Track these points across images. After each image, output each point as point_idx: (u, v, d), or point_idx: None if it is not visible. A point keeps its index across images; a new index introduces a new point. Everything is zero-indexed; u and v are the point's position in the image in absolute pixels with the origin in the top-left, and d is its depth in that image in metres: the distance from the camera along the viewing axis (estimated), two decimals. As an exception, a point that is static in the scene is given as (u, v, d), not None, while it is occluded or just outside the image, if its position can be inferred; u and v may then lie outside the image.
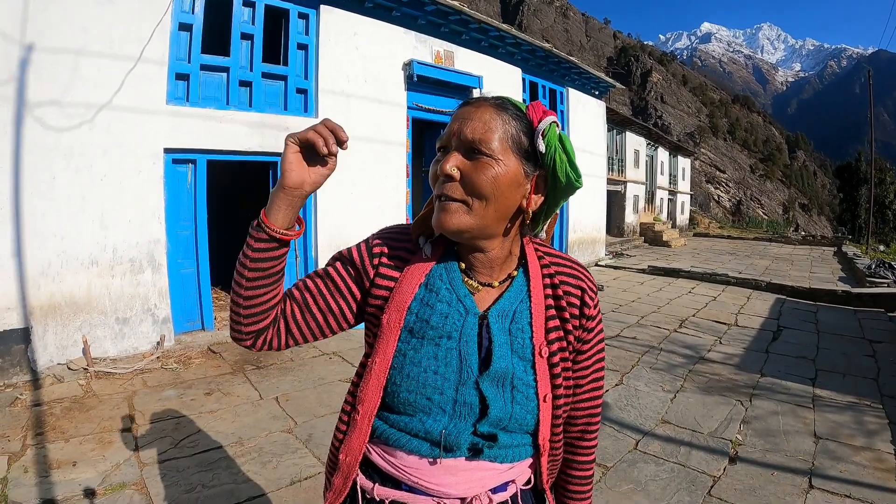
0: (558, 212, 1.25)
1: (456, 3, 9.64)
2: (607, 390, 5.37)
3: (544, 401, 1.15)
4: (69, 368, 5.69)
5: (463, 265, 1.19)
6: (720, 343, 7.32)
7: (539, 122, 1.11)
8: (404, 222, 1.29)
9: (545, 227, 1.27)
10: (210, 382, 5.49)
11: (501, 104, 1.11)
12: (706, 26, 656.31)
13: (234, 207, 11.72)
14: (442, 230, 1.09)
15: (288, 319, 1.23)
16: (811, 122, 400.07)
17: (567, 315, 1.20)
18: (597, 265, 15.43)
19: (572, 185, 1.15)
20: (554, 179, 1.14)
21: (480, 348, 1.13)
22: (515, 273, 1.22)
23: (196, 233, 7.03)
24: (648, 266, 14.60)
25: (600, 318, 1.28)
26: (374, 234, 1.27)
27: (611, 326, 7.95)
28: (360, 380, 1.19)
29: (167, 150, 6.62)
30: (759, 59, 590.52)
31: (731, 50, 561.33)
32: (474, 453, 1.12)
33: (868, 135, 28.31)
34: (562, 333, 1.19)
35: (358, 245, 1.26)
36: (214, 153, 7.12)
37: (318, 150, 1.04)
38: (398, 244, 1.24)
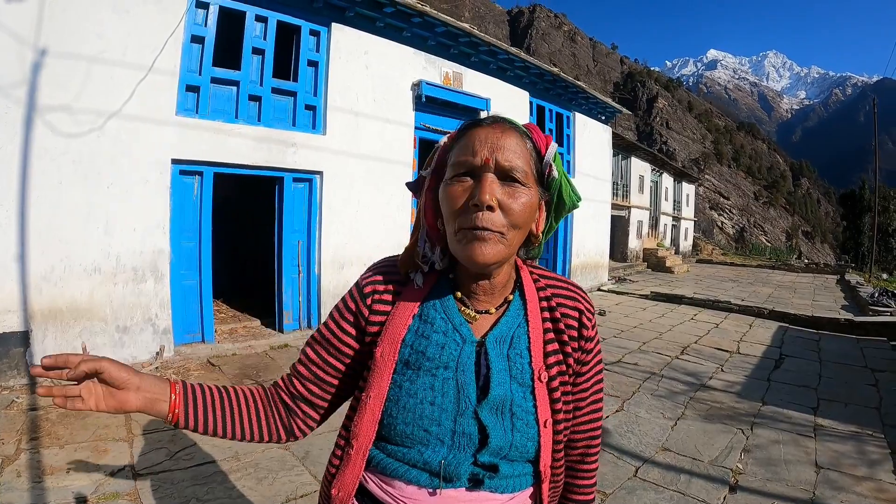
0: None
1: (466, 26, 9.73)
2: (607, 416, 5.32)
3: (545, 426, 1.12)
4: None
5: (459, 293, 1.16)
6: (722, 370, 7.26)
7: (546, 148, 1.10)
8: (395, 253, 1.26)
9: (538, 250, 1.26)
10: (209, 395, 5.46)
11: (518, 128, 1.09)
12: (712, 53, 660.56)
13: (239, 220, 11.76)
14: (473, 263, 1.03)
15: (308, 397, 1.22)
16: (815, 149, 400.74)
17: (566, 338, 1.17)
18: (599, 290, 15.39)
19: (574, 205, 1.15)
20: (559, 202, 1.14)
21: (478, 376, 1.10)
22: (511, 297, 1.19)
23: (200, 244, 7.04)
24: (651, 292, 14.57)
25: (598, 339, 1.26)
26: (362, 275, 1.24)
27: (612, 352, 7.91)
28: (355, 414, 1.15)
29: (175, 161, 6.65)
30: (764, 86, 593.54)
31: (737, 77, 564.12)
32: (475, 484, 1.09)
33: (872, 163, 28.40)
34: (561, 357, 1.17)
35: (350, 291, 1.24)
36: (221, 166, 7.15)
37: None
38: (389, 277, 1.21)
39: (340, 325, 1.21)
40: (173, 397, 1.11)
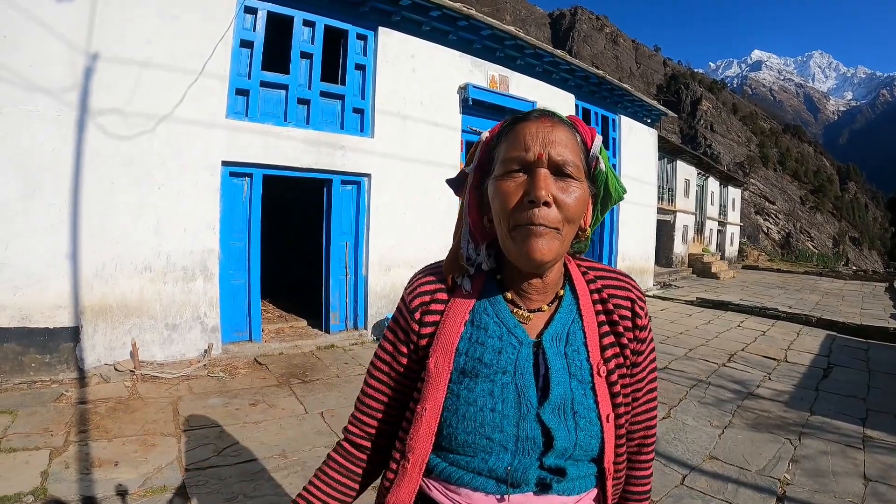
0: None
1: (511, 29, 9.71)
2: (655, 424, 5.27)
3: (607, 421, 1.10)
4: (116, 370, 5.83)
5: (509, 294, 1.14)
6: (769, 379, 7.13)
7: (591, 141, 1.09)
8: (441, 257, 1.22)
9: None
10: (255, 393, 5.54)
11: (566, 122, 1.08)
12: (757, 54, 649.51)
13: (287, 222, 11.91)
14: (533, 262, 1.01)
15: (392, 430, 1.23)
16: (863, 152, 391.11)
17: (621, 329, 1.16)
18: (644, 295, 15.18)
19: (620, 197, 1.15)
20: (605, 195, 1.13)
21: (537, 378, 1.08)
22: (562, 292, 1.17)
23: (249, 245, 7.14)
24: (697, 298, 14.36)
25: (650, 328, 1.25)
26: (407, 288, 1.22)
27: (659, 358, 7.70)
28: (410, 426, 1.12)
29: (225, 163, 6.77)
30: (810, 87, 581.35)
31: (782, 78, 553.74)
32: (542, 488, 1.06)
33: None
34: (618, 349, 1.15)
35: (398, 308, 1.23)
36: (271, 168, 7.25)
37: None
38: (435, 286, 1.18)
39: (393, 350, 1.21)
40: None
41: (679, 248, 22.62)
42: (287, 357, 6.91)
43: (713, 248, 28.33)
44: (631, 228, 15.03)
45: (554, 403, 1.05)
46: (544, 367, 1.08)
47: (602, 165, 1.09)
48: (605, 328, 1.15)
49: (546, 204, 0.99)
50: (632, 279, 1.24)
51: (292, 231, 11.99)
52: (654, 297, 15.11)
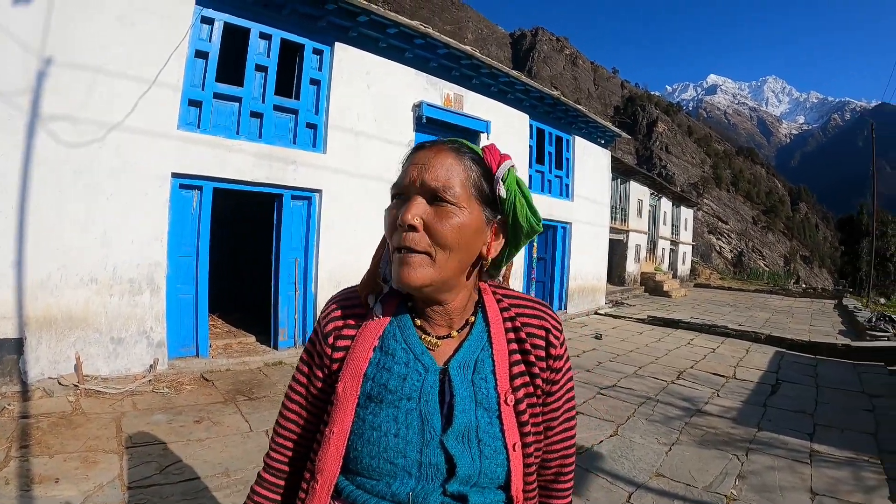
0: (525, 255, 1.22)
1: (468, 48, 9.81)
2: (601, 441, 5.31)
3: (513, 450, 1.08)
4: (60, 383, 5.68)
5: (418, 321, 1.15)
6: (718, 396, 7.24)
7: (498, 166, 1.09)
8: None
9: (503, 272, 1.25)
10: (200, 410, 5.46)
11: (458, 148, 1.08)
12: (712, 78, 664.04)
13: (237, 236, 11.78)
14: (403, 286, 1.05)
15: (305, 456, 1.24)
16: (814, 174, 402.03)
17: (532, 358, 1.15)
18: (596, 314, 15.40)
19: (533, 229, 1.13)
20: (514, 225, 1.12)
21: (442, 405, 1.08)
22: (473, 319, 1.17)
23: (197, 259, 7.06)
24: (648, 316, 14.60)
25: (568, 357, 1.23)
26: (323, 309, 1.24)
27: (608, 376, 7.90)
28: (319, 448, 1.13)
29: (175, 175, 6.69)
30: (763, 111, 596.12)
31: (737, 102, 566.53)
32: None
33: (870, 188, 28.39)
34: (528, 378, 1.14)
35: (314, 331, 1.24)
36: (221, 181, 7.18)
37: None
38: (348, 310, 1.20)
39: (312, 372, 1.22)
40: None
41: (632, 267, 22.95)
42: (234, 373, 6.82)
43: (665, 266, 28.78)
44: (584, 248, 15.23)
45: (457, 431, 1.05)
46: (450, 394, 1.08)
47: (503, 192, 1.09)
48: (517, 356, 1.15)
49: (413, 228, 1.01)
50: (549, 308, 1.24)
51: (244, 246, 11.86)
52: (605, 315, 15.30)
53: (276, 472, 1.25)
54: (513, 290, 1.26)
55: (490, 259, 1.13)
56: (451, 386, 1.08)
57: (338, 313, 1.20)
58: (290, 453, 1.25)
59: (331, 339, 1.18)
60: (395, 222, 1.04)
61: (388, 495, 1.05)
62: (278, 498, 1.25)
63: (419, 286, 1.04)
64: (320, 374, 1.19)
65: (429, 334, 1.14)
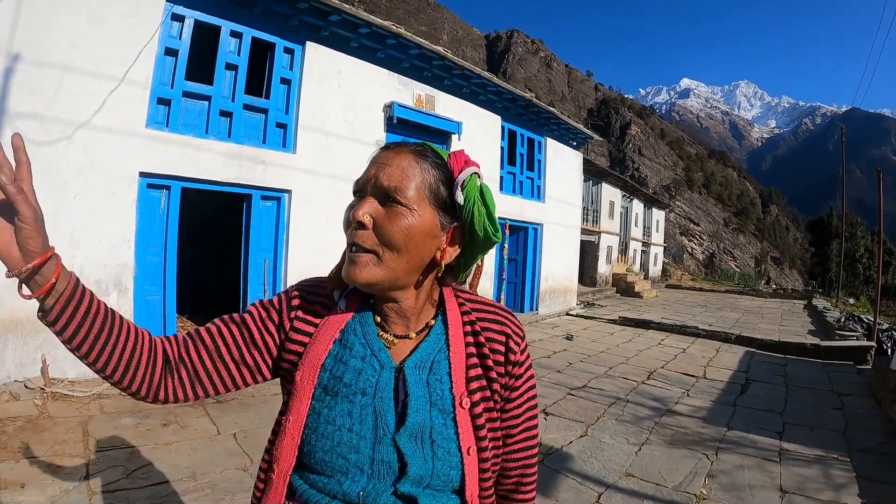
0: (481, 263, 1.23)
1: (440, 49, 9.82)
2: (570, 442, 5.33)
3: (468, 454, 1.09)
4: (26, 387, 5.60)
5: (378, 318, 1.16)
6: (688, 395, 7.32)
7: (460, 172, 1.09)
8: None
9: (469, 278, 1.25)
10: (168, 413, 5.40)
11: (421, 151, 1.09)
12: (685, 82, 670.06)
13: (206, 237, 11.66)
14: (351, 282, 1.06)
15: (196, 366, 1.15)
16: (785, 177, 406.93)
17: (490, 362, 1.15)
18: (568, 314, 15.51)
19: (489, 239, 1.12)
20: (471, 232, 1.11)
21: (397, 403, 1.09)
22: (433, 322, 1.18)
23: (165, 260, 6.99)
24: (619, 317, 14.73)
25: (529, 364, 1.23)
26: (292, 286, 1.24)
27: (578, 377, 7.95)
28: (276, 437, 1.13)
29: (142, 175, 6.62)
30: (735, 115, 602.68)
31: (709, 106, 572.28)
32: None
33: (840, 190, 28.90)
34: (485, 383, 1.14)
35: (278, 295, 1.23)
36: (190, 181, 7.12)
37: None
38: (314, 298, 1.20)
39: (263, 318, 1.19)
40: (57, 271, 0.95)
41: (603, 269, 23.15)
42: (203, 373, 6.76)
43: (637, 267, 29.00)
44: (555, 249, 15.31)
45: (410, 430, 1.06)
46: (404, 393, 1.09)
47: (460, 198, 1.08)
48: (474, 360, 1.15)
49: (361, 226, 1.03)
50: (511, 315, 1.25)
51: (212, 246, 11.76)
52: (577, 315, 15.41)
53: (161, 343, 1.15)
54: (478, 296, 1.26)
55: (443, 264, 1.12)
56: (406, 384, 1.09)
57: (304, 296, 1.20)
58: (184, 351, 1.16)
59: (292, 314, 1.18)
60: (349, 219, 1.06)
61: (339, 494, 1.05)
62: (142, 337, 1.11)
63: (363, 283, 1.05)
64: (272, 329, 1.18)
65: (387, 332, 1.15)
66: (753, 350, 11.21)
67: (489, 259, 11.20)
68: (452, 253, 1.13)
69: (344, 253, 1.13)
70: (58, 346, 5.78)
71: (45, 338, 5.87)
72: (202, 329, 1.19)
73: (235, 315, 1.22)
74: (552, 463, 4.72)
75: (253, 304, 1.24)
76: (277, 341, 1.19)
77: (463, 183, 1.08)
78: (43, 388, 5.57)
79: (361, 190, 1.09)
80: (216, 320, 1.21)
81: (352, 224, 1.05)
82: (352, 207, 1.07)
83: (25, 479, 3.79)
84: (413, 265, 1.08)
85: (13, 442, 4.38)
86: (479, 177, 1.11)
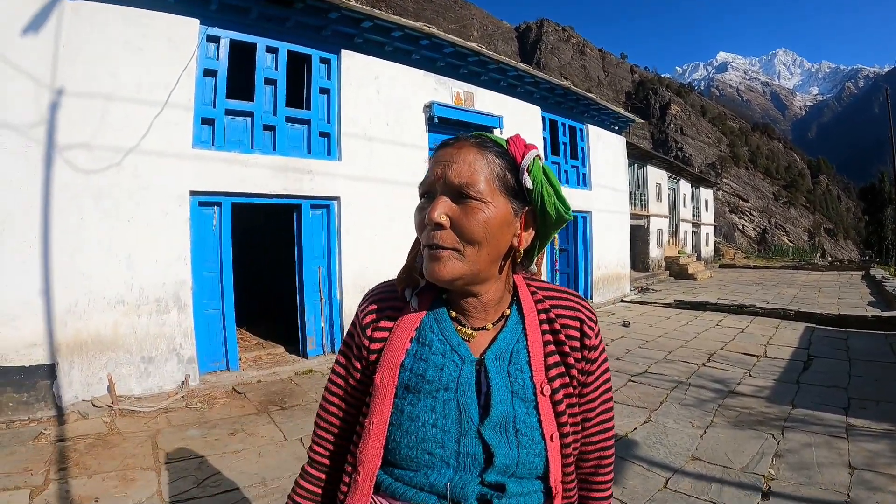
0: (547, 247, 1.23)
1: (474, 45, 9.79)
2: (635, 428, 5.28)
3: (551, 440, 1.10)
4: (94, 405, 5.76)
5: (454, 313, 1.16)
6: (750, 376, 7.17)
7: (522, 157, 1.10)
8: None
9: (536, 262, 1.26)
10: (234, 422, 5.51)
11: (482, 142, 1.09)
12: (722, 56, 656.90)
13: (260, 248, 11.84)
14: (435, 280, 1.06)
15: (345, 449, 1.24)
16: (832, 145, 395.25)
17: (567, 349, 1.16)
18: (622, 301, 15.34)
19: (562, 217, 1.13)
20: (543, 214, 1.13)
21: (479, 395, 1.09)
22: (509, 312, 1.18)
23: (222, 274, 7.12)
24: (674, 300, 14.48)
25: (603, 348, 1.24)
26: (361, 302, 1.26)
27: (638, 363, 7.87)
28: (360, 440, 1.14)
29: (193, 193, 6.76)
30: (776, 85, 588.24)
31: (748, 78, 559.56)
32: None
33: (890, 154, 27.89)
34: (563, 369, 1.16)
35: (352, 323, 1.26)
36: (239, 196, 7.24)
37: None
38: (385, 303, 1.21)
39: (351, 363, 1.24)
40: None
41: (655, 252, 22.78)
42: (265, 384, 6.88)
43: (689, 249, 28.56)
44: (605, 236, 15.14)
45: (495, 421, 1.07)
46: (486, 385, 1.09)
47: (529, 183, 1.09)
48: (551, 347, 1.16)
49: (439, 226, 1.03)
50: (583, 299, 1.25)
51: (266, 257, 11.93)
52: (632, 302, 15.22)
53: (318, 465, 1.28)
54: (547, 283, 1.27)
55: (522, 250, 1.13)
56: (488, 376, 1.10)
57: (375, 306, 1.22)
58: (331, 446, 1.27)
59: (369, 331, 1.20)
60: (424, 221, 1.07)
61: (426, 486, 1.07)
62: (319, 490, 1.27)
63: (448, 280, 1.06)
64: (358, 366, 1.21)
65: (465, 326, 1.16)
66: (813, 325, 10.91)
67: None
68: (528, 237, 1.14)
69: (411, 252, 1.16)
70: (122, 363, 6.01)
71: (109, 357, 6.06)
72: (322, 422, 1.29)
73: (331, 376, 1.29)
74: (618, 450, 4.65)
75: (339, 351, 1.29)
76: (367, 363, 1.21)
77: (528, 167, 1.09)
78: (110, 406, 5.73)
79: (430, 190, 1.09)
80: (324, 398, 1.30)
81: (428, 226, 1.05)
82: (422, 209, 1.09)
83: (98, 493, 3.90)
84: (493, 255, 1.09)
85: (85, 459, 4.51)
86: (540, 158, 1.13)
